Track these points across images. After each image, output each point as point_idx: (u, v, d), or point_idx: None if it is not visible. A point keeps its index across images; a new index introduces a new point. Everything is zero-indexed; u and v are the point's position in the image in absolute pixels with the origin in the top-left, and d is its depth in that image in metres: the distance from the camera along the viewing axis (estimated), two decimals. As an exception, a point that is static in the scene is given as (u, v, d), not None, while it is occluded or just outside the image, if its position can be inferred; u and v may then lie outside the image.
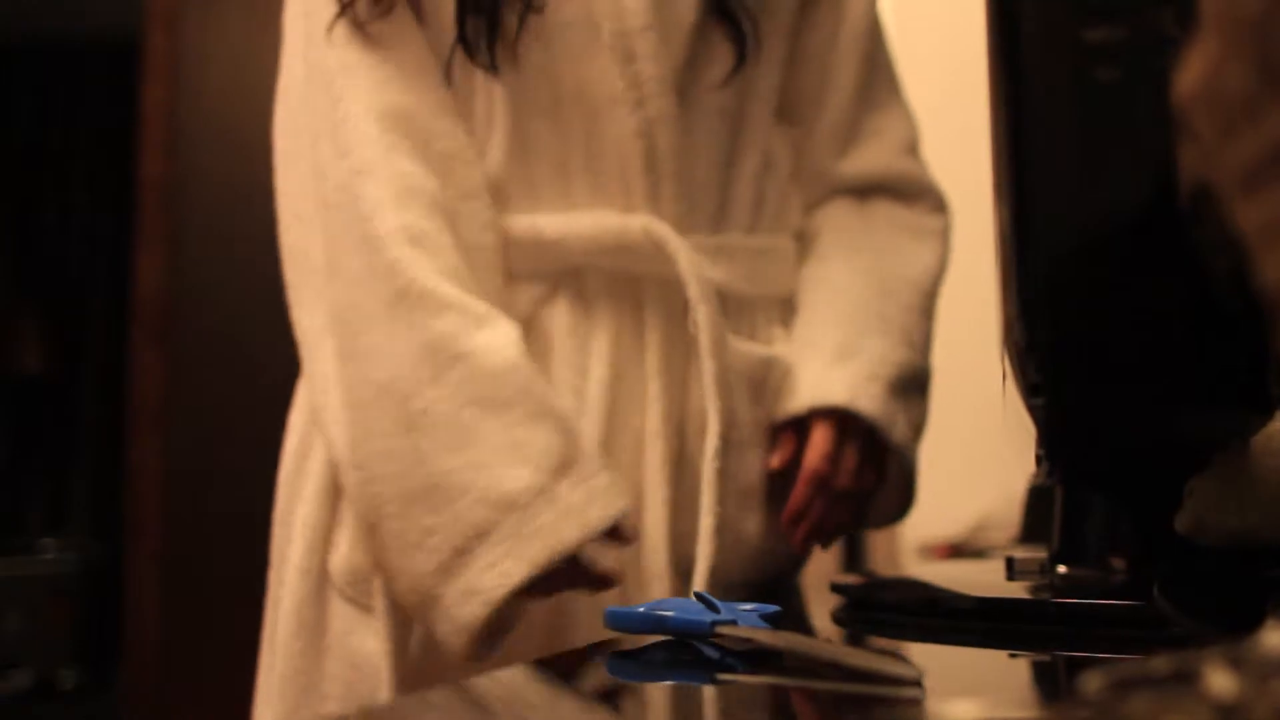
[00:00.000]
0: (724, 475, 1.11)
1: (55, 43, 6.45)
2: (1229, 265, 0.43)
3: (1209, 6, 0.39)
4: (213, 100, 3.38)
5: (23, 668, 4.89)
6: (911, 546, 2.70)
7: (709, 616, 0.69)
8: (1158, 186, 0.51)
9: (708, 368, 1.09)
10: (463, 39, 1.11)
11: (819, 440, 1.16)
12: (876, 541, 2.77)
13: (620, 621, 0.72)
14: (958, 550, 2.45)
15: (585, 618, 1.09)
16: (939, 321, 1.32)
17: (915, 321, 1.25)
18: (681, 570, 1.11)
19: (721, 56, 1.17)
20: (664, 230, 1.11)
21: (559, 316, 1.13)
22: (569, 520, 0.98)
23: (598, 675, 0.67)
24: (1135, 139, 0.52)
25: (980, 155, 0.99)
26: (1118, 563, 0.85)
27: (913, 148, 1.33)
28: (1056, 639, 0.74)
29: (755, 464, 1.17)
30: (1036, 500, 1.12)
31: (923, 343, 1.25)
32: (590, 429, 1.10)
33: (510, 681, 0.64)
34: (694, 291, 1.09)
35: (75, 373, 6.01)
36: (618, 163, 1.12)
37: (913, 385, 1.22)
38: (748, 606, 0.72)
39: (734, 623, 0.68)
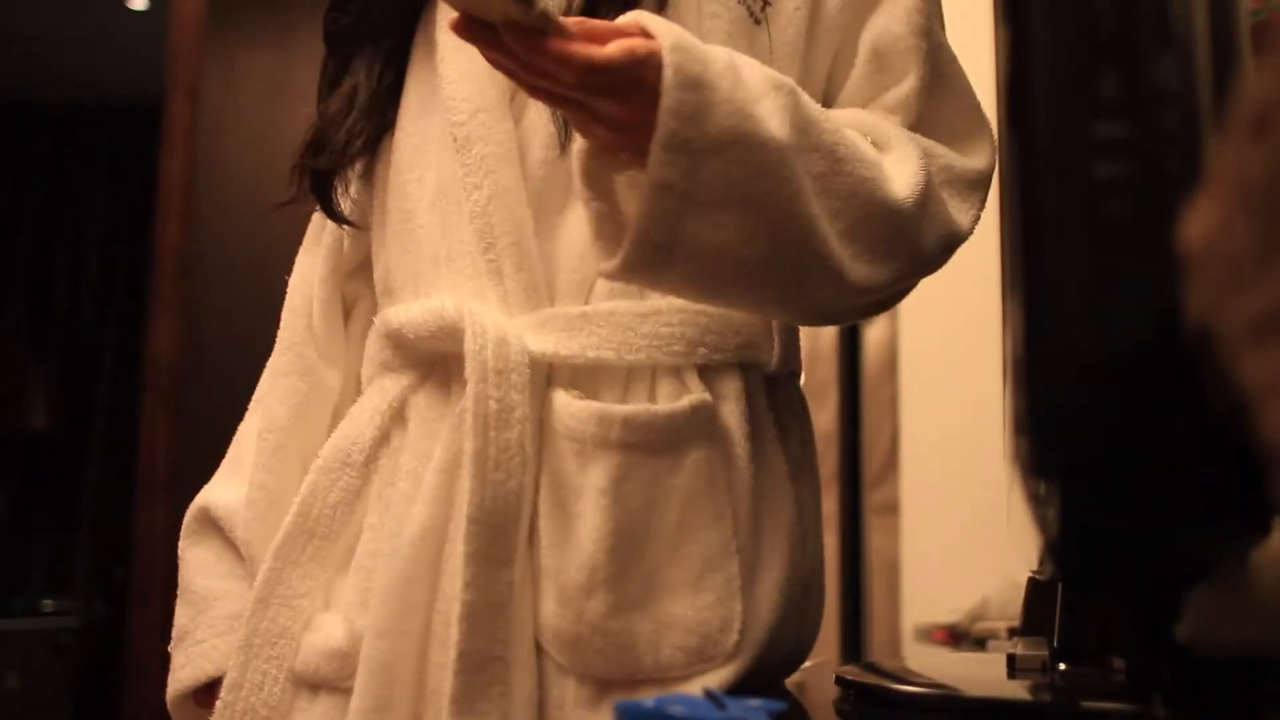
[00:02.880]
0: (554, 553, 1.08)
1: (74, 105, 6.52)
2: (1230, 399, 0.45)
3: (1217, 163, 0.41)
4: (231, 172, 3.43)
5: (20, 727, 4.88)
6: (911, 630, 2.71)
7: (716, 714, 0.70)
8: (1164, 318, 0.53)
9: (467, 447, 1.06)
10: (327, 210, 1.27)
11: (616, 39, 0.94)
12: (877, 625, 2.77)
13: (630, 716, 0.73)
14: (957, 635, 2.45)
15: None
16: (947, 409, 1.27)
17: (827, 131, 1.03)
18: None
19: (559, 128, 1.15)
20: (467, 309, 1.11)
21: (419, 404, 1.16)
22: (172, 679, 1.27)
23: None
24: (1143, 273, 0.55)
25: (990, 274, 1.02)
26: (1119, 663, 0.86)
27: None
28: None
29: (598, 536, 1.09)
30: (1037, 588, 1.13)
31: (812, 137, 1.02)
32: (420, 515, 1.10)
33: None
34: (470, 369, 1.07)
35: (81, 432, 6.02)
36: (465, 246, 1.15)
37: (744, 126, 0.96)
38: (755, 703, 0.73)
39: (742, 721, 0.69)
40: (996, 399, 0.87)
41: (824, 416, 3.19)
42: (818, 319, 1.18)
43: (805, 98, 1.03)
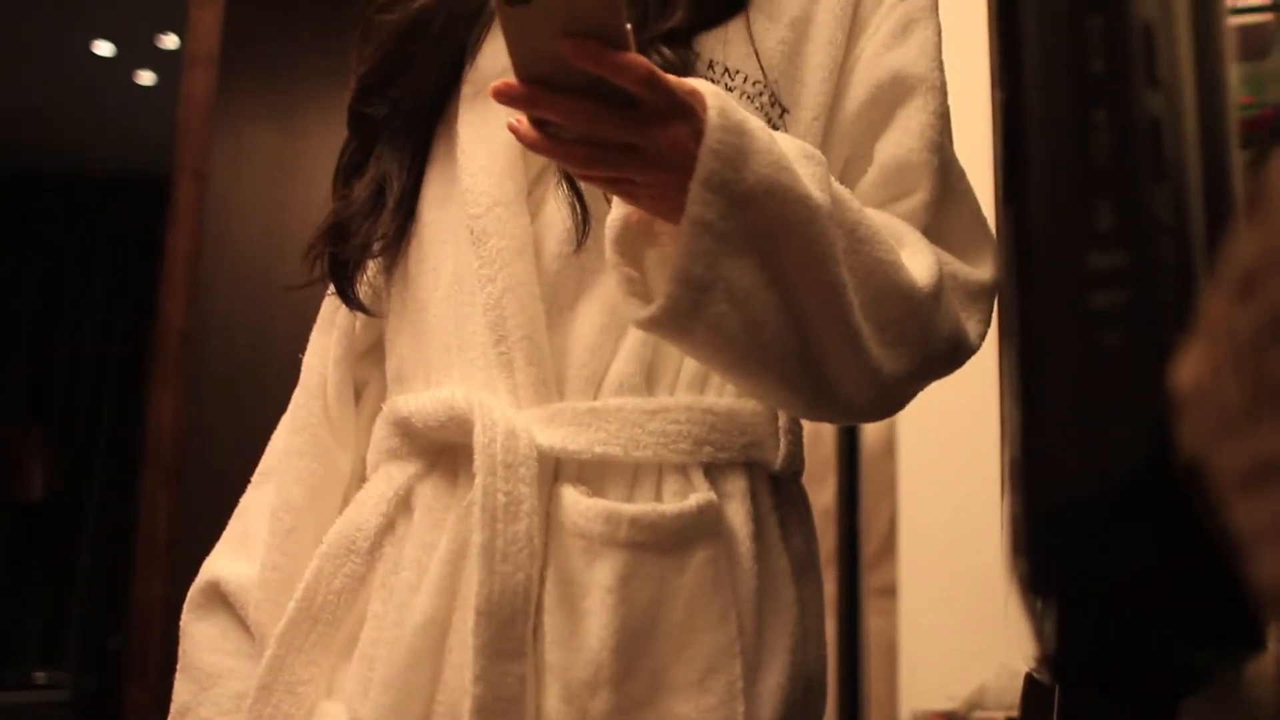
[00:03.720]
0: (560, 649, 1.08)
1: (79, 177, 6.56)
2: (1221, 525, 0.46)
3: (1207, 314, 0.42)
4: (236, 249, 3.46)
5: (10, 801, 4.83)
6: (908, 715, 2.69)
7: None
8: (1157, 444, 0.54)
9: (475, 539, 1.06)
10: (344, 297, 1.27)
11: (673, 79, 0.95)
12: (874, 708, 2.76)
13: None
14: (955, 723, 2.45)
15: None
16: (946, 492, 1.24)
17: (851, 210, 1.06)
18: None
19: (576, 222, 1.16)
20: (477, 400, 1.12)
21: (425, 493, 1.16)
22: None
23: None
24: (1137, 399, 0.56)
25: (989, 354, 1.03)
26: (1116, 765, 0.86)
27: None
28: None
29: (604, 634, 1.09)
30: (1035, 685, 1.13)
31: (838, 211, 1.03)
32: (424, 605, 1.10)
33: None
34: (479, 462, 1.08)
35: (77, 501, 6.01)
36: (477, 338, 1.16)
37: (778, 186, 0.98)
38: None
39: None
40: (995, 483, 0.88)
41: (823, 497, 3.20)
42: (830, 406, 1.14)
43: (831, 177, 1.06)
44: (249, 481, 1.37)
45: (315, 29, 3.48)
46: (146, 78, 6.02)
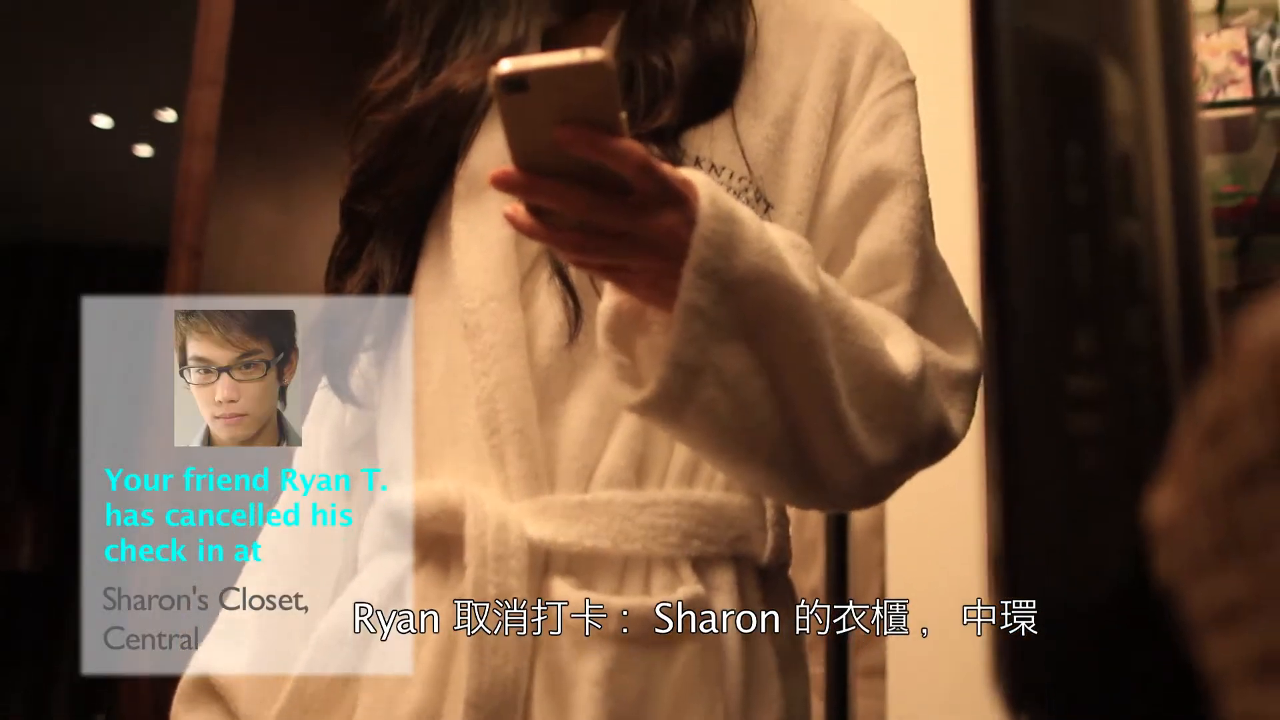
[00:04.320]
0: None
1: (74, 245, 6.59)
2: (1195, 646, 0.48)
3: (1179, 455, 0.44)
4: (231, 327, 3.46)
5: None
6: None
7: None
8: (1135, 566, 0.56)
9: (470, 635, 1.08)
10: (337, 390, 1.29)
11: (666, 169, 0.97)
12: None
13: None
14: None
15: None
16: (935, 571, 1.23)
17: (838, 299, 1.08)
18: None
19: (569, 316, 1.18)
20: (469, 493, 1.13)
21: (418, 584, 1.17)
22: None
23: None
24: (1116, 522, 0.58)
25: (975, 429, 1.04)
26: None
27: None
28: None
29: None
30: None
31: (824, 306, 1.05)
32: (414, 696, 1.11)
33: None
34: (470, 554, 1.10)
35: (66, 573, 5.99)
36: (469, 430, 1.17)
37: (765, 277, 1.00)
38: None
39: None
40: (983, 563, 0.89)
41: (811, 577, 3.20)
42: (818, 493, 1.14)
43: (819, 267, 1.08)
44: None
45: (313, 110, 3.51)
46: (144, 150, 6.07)
